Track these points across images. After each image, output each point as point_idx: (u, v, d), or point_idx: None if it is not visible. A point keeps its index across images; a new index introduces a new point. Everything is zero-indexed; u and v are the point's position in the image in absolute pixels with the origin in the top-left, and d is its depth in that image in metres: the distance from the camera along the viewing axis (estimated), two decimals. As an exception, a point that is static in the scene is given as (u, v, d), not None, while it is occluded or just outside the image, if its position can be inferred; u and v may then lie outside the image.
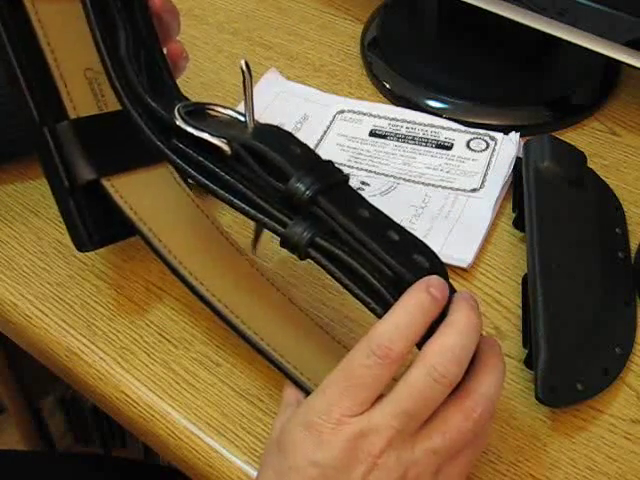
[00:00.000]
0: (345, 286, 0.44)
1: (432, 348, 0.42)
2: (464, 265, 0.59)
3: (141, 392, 0.53)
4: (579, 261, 0.57)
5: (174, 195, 0.57)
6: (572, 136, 0.68)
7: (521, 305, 0.56)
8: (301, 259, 0.46)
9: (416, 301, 0.42)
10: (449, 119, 0.68)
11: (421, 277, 0.43)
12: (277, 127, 0.49)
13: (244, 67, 0.46)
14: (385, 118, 0.68)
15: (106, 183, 0.53)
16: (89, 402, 1.12)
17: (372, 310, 0.44)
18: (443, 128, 0.67)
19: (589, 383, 0.52)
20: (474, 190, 0.63)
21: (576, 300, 0.55)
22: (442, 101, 0.70)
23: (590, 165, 0.64)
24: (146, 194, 0.55)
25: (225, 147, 0.46)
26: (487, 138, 0.66)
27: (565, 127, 0.69)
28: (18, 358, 1.01)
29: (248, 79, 0.46)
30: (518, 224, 0.61)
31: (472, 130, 0.67)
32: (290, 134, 0.48)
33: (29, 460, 0.83)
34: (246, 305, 0.52)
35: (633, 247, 0.60)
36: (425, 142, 0.67)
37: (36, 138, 0.52)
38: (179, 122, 0.47)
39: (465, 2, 0.66)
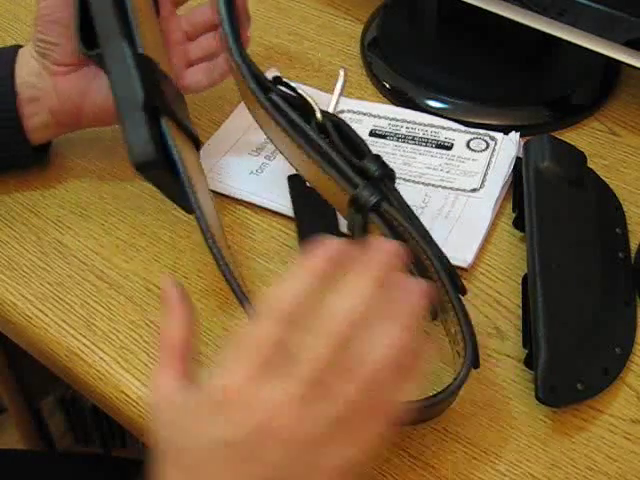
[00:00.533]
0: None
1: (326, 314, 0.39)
2: (464, 265, 0.59)
3: (141, 392, 0.53)
4: (579, 261, 0.57)
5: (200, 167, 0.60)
6: (572, 136, 0.68)
7: (521, 305, 0.56)
8: (362, 221, 0.52)
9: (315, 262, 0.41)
10: (449, 119, 0.68)
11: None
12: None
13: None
14: (385, 118, 0.68)
15: (164, 118, 0.54)
16: (89, 402, 1.12)
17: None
18: (443, 128, 0.67)
19: (589, 383, 0.52)
20: (474, 190, 0.63)
21: (576, 300, 0.55)
22: (442, 101, 0.70)
23: (590, 165, 0.64)
24: (182, 149, 0.55)
25: (318, 112, 0.55)
26: (487, 138, 0.66)
27: (565, 127, 0.69)
28: (18, 358, 1.01)
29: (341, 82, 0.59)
30: (518, 224, 0.61)
31: (472, 130, 0.67)
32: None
33: (29, 460, 0.83)
34: None
35: (633, 247, 0.60)
36: (425, 142, 0.66)
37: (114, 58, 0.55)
38: (284, 79, 0.57)
39: (465, 2, 0.66)
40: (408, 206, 0.53)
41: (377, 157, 0.54)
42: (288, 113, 0.55)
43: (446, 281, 0.50)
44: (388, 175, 0.54)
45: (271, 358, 0.38)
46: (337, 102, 0.58)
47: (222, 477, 0.38)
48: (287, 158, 0.58)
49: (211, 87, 0.65)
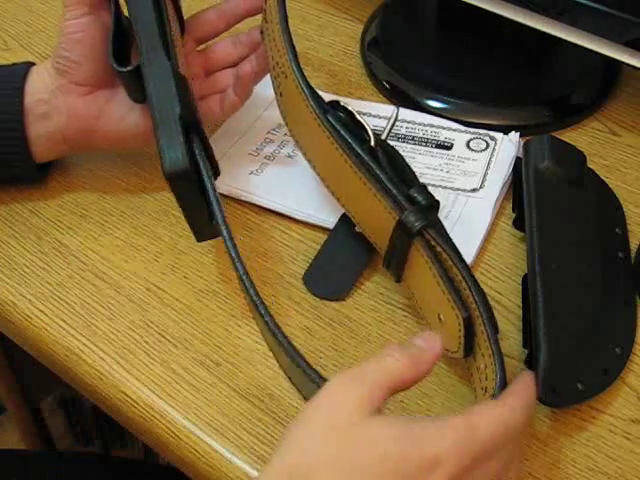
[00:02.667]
0: (436, 278, 0.51)
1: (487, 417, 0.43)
2: (464, 265, 0.59)
3: (141, 392, 0.53)
4: (579, 261, 0.57)
5: None
6: (572, 136, 0.68)
7: (521, 305, 0.56)
8: (405, 245, 0.53)
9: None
10: (449, 119, 0.68)
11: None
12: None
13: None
14: (385, 118, 0.68)
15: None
16: (89, 402, 1.12)
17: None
18: (443, 128, 0.67)
19: (589, 383, 0.52)
20: (474, 190, 0.63)
21: (576, 300, 0.55)
22: (442, 101, 0.70)
23: (590, 165, 0.64)
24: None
25: (372, 138, 0.57)
26: (487, 138, 0.66)
27: (565, 127, 0.69)
28: (18, 358, 1.01)
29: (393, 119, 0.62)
30: (518, 224, 0.61)
31: (472, 130, 0.67)
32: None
33: (29, 460, 0.83)
34: None
35: (633, 247, 0.60)
36: (425, 142, 0.66)
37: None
38: (342, 103, 0.58)
39: (465, 2, 0.66)
40: (450, 238, 0.54)
41: (424, 187, 0.55)
42: (343, 134, 0.56)
43: (485, 316, 0.49)
44: (433, 205, 0.55)
45: None
46: (388, 132, 0.62)
47: None
48: (332, 182, 0.59)
49: (223, 119, 0.66)
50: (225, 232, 0.53)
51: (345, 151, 0.55)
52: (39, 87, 0.60)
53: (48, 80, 0.60)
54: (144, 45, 0.56)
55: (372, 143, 0.57)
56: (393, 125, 0.59)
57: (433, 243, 0.52)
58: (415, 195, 0.54)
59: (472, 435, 0.41)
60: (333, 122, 0.56)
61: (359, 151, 0.55)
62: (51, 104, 0.60)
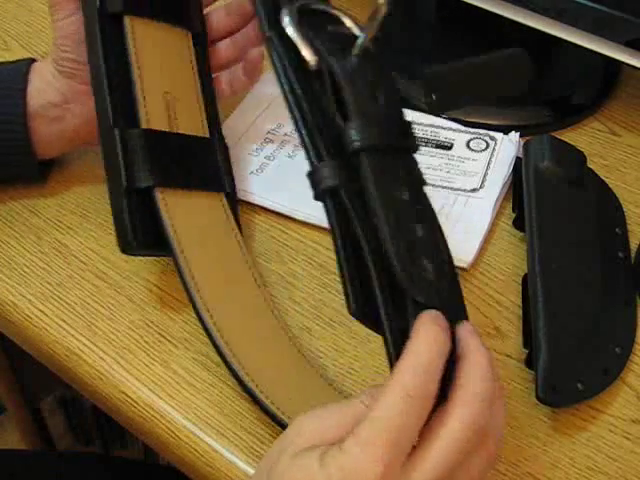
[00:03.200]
0: (337, 253, 0.41)
1: (400, 367, 0.39)
2: (464, 265, 0.59)
3: (141, 392, 0.53)
4: (579, 261, 0.57)
5: (219, 231, 0.58)
6: (572, 136, 0.68)
7: (521, 305, 0.56)
8: (315, 199, 0.43)
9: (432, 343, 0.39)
10: (449, 119, 0.68)
11: (419, 288, 0.39)
12: (382, 69, 0.44)
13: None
14: (385, 118, 0.68)
15: (158, 194, 0.54)
16: (89, 402, 1.12)
17: (346, 296, 0.41)
18: (443, 128, 0.67)
19: (589, 383, 0.52)
20: (474, 190, 0.63)
21: (576, 300, 0.55)
22: (442, 101, 0.70)
23: (590, 165, 0.64)
24: (192, 219, 0.56)
25: (312, 61, 0.42)
26: (487, 138, 0.66)
27: (565, 127, 0.69)
28: (18, 358, 1.01)
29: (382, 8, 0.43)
30: (518, 224, 0.61)
31: (472, 130, 0.67)
32: (393, 87, 0.44)
33: (29, 460, 0.83)
34: (255, 360, 0.52)
35: (633, 247, 0.60)
36: (425, 142, 0.66)
37: (105, 139, 0.54)
38: (284, 18, 0.43)
39: (465, 2, 0.66)
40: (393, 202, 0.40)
41: (376, 123, 0.40)
42: (285, 54, 0.43)
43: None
44: (386, 147, 0.41)
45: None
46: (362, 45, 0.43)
47: None
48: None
49: (233, 96, 0.66)
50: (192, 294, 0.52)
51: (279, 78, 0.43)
52: (46, 89, 0.60)
53: (54, 82, 0.60)
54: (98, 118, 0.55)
55: (314, 65, 0.42)
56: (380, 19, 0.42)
57: (342, 207, 0.41)
58: (351, 132, 0.40)
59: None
60: (274, 39, 0.44)
61: (292, 77, 0.42)
62: (63, 107, 0.60)
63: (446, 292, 0.40)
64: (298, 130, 0.43)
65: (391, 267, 0.39)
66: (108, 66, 0.55)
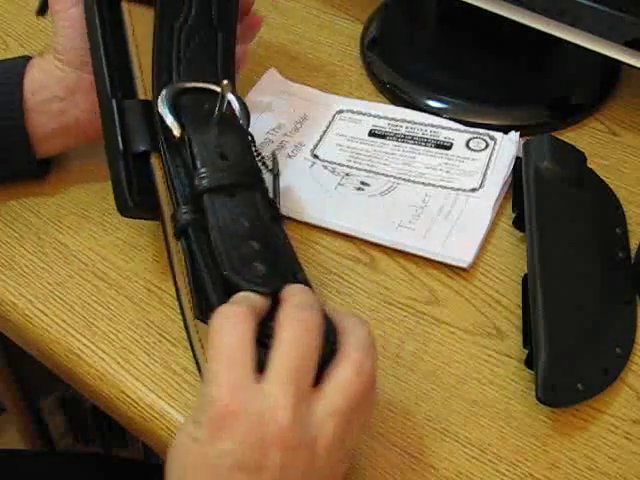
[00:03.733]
0: (189, 281, 0.50)
1: (286, 308, 0.44)
2: (464, 265, 0.59)
3: (141, 392, 0.53)
4: (579, 261, 0.57)
5: None
6: (572, 136, 0.68)
7: (521, 305, 0.56)
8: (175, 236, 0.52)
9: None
10: (449, 119, 0.68)
11: (248, 281, 0.47)
12: (236, 130, 0.55)
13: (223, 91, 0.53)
14: (384, 118, 0.68)
15: (154, 159, 0.55)
16: (89, 402, 1.12)
17: (193, 309, 0.50)
18: (442, 128, 0.67)
19: (589, 383, 0.52)
20: (474, 190, 0.63)
21: (576, 300, 0.55)
22: (442, 101, 0.70)
23: (590, 165, 0.64)
24: None
25: (176, 131, 0.53)
26: (487, 138, 0.66)
27: (565, 127, 0.69)
28: (18, 358, 1.01)
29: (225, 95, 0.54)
30: (518, 224, 0.61)
31: (471, 130, 0.67)
32: (242, 142, 0.54)
33: (29, 460, 0.83)
34: None
35: (633, 247, 0.60)
36: (424, 142, 0.66)
37: (103, 110, 0.57)
38: (161, 96, 0.54)
39: (465, 2, 0.66)
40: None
41: (219, 169, 0.52)
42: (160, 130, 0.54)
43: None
44: (227, 185, 0.51)
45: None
46: (222, 106, 0.55)
47: None
48: None
49: None
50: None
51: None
52: (48, 82, 0.59)
53: (59, 73, 0.59)
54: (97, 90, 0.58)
55: (177, 135, 0.53)
56: (221, 107, 0.54)
57: (189, 243, 0.50)
58: (196, 182, 0.51)
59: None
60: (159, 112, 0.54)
61: (163, 145, 0.54)
62: (68, 100, 0.60)
63: (279, 284, 0.47)
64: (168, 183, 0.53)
65: (223, 271, 0.48)
66: (106, 44, 0.57)
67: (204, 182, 0.51)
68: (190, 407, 0.52)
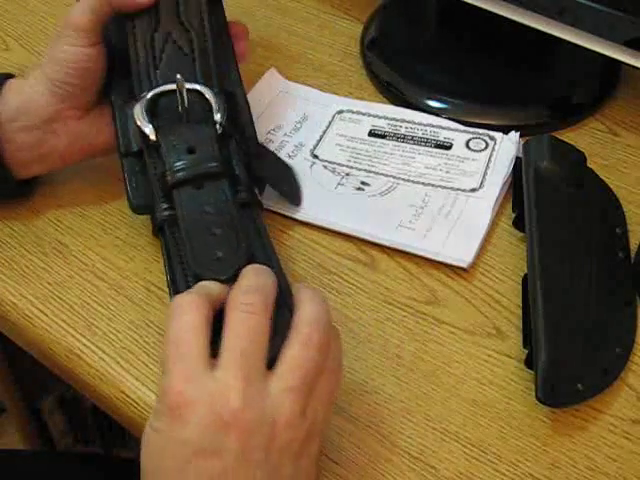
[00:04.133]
0: (166, 276, 0.52)
1: (231, 293, 0.45)
2: (464, 265, 0.59)
3: (141, 392, 0.53)
4: (579, 261, 0.57)
5: None
6: (572, 136, 0.68)
7: (521, 305, 0.56)
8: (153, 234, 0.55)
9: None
10: (449, 119, 0.68)
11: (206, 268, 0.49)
12: (203, 122, 0.56)
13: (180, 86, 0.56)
14: (384, 118, 0.68)
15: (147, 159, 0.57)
16: (89, 402, 1.12)
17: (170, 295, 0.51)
18: (442, 128, 0.67)
19: (589, 383, 0.52)
20: (474, 190, 0.63)
21: (576, 300, 0.55)
22: (442, 101, 0.70)
23: (590, 165, 0.64)
24: None
25: (152, 136, 0.55)
26: (486, 138, 0.66)
27: (565, 127, 0.69)
28: (18, 358, 1.01)
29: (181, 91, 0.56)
30: (518, 224, 0.61)
31: (471, 130, 0.67)
32: (208, 130, 0.56)
33: (29, 460, 0.83)
34: None
35: (633, 247, 0.60)
36: (424, 142, 0.66)
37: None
38: (137, 106, 0.56)
39: (465, 2, 0.66)
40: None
41: (188, 166, 0.54)
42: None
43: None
44: (195, 176, 0.53)
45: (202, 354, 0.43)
46: (183, 100, 0.57)
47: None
48: None
49: None
50: None
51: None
52: (26, 109, 0.58)
53: (40, 101, 0.58)
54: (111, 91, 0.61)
55: (153, 139, 0.55)
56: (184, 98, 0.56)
57: (165, 237, 0.53)
58: (167, 177, 0.53)
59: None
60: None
61: (144, 149, 0.56)
62: (45, 129, 0.58)
63: (237, 267, 0.49)
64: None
65: (186, 261, 0.51)
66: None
67: (169, 178, 0.53)
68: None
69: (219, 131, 0.56)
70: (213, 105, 0.57)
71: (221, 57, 0.61)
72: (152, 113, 0.57)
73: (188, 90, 0.57)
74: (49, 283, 0.59)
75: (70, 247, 0.61)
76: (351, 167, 0.65)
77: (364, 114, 0.69)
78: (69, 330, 0.57)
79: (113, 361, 0.55)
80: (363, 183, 0.64)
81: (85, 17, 0.57)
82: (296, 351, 0.44)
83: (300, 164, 0.65)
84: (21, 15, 0.80)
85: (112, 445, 1.22)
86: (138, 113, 0.56)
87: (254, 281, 0.46)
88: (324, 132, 0.68)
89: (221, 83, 0.60)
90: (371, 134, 0.67)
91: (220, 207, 0.52)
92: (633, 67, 0.62)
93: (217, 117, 0.56)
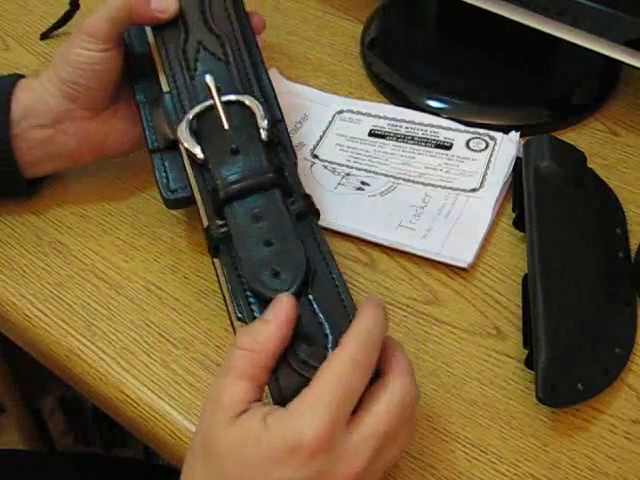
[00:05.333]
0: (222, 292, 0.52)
1: (347, 339, 0.44)
2: (464, 265, 0.59)
3: (141, 392, 0.53)
4: (579, 261, 0.57)
5: None
6: (572, 136, 0.68)
7: (521, 305, 0.56)
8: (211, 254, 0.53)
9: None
10: (449, 119, 0.68)
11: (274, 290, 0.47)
12: (247, 132, 0.54)
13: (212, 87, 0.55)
14: (384, 118, 0.68)
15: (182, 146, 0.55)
16: (89, 402, 1.12)
17: (238, 319, 0.49)
18: (442, 128, 0.67)
19: (589, 383, 0.52)
20: (474, 190, 0.63)
21: (576, 300, 0.55)
22: (442, 101, 0.70)
23: (590, 165, 0.64)
24: None
25: (199, 155, 0.53)
26: (486, 138, 0.66)
27: (565, 127, 0.69)
28: (18, 358, 1.01)
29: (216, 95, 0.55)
30: (518, 224, 0.61)
31: (471, 130, 0.67)
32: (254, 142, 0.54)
33: (29, 460, 0.83)
34: None
35: (633, 247, 0.60)
36: (424, 142, 0.66)
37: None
38: (181, 126, 0.54)
39: (465, 2, 0.66)
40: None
41: (241, 178, 0.52)
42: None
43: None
44: (245, 190, 0.52)
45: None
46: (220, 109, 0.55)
47: None
48: None
49: None
50: None
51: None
52: (37, 108, 0.58)
53: (50, 100, 0.58)
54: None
55: (201, 158, 0.53)
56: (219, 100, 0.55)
57: (222, 258, 0.51)
58: (220, 191, 0.51)
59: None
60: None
61: (189, 167, 0.55)
62: (55, 128, 0.59)
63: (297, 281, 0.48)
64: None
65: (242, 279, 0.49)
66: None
67: (221, 193, 0.51)
68: (190, 407, 0.52)
69: (264, 138, 0.54)
70: (256, 112, 0.55)
71: (253, 58, 0.60)
72: (195, 130, 0.54)
73: (229, 102, 0.55)
74: (49, 283, 0.59)
75: (70, 247, 0.61)
76: (351, 167, 0.65)
77: (364, 114, 0.69)
78: (69, 330, 0.57)
79: (113, 361, 0.55)
80: (363, 183, 0.64)
81: (101, 26, 0.57)
82: (380, 417, 0.43)
83: (300, 164, 0.65)
84: (21, 15, 0.80)
85: (112, 445, 1.22)
86: (183, 133, 0.54)
87: (371, 330, 0.45)
88: (324, 132, 0.68)
89: (260, 88, 0.58)
90: (371, 134, 0.67)
91: (275, 219, 0.50)
92: (633, 67, 0.62)
93: (263, 124, 0.54)
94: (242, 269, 0.49)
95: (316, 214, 0.53)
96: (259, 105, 0.55)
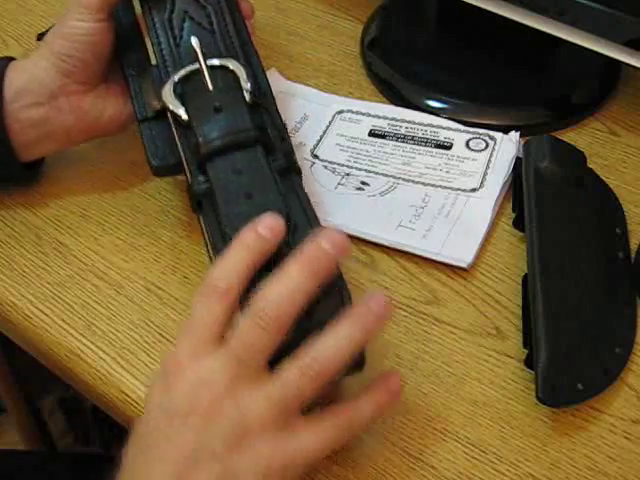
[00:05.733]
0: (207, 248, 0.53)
1: (258, 297, 0.45)
2: (464, 265, 0.59)
3: (141, 392, 0.53)
4: (579, 261, 0.57)
5: None
6: (572, 136, 0.68)
7: (521, 305, 0.56)
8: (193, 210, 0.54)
9: (240, 239, 0.46)
10: (448, 119, 0.68)
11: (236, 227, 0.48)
12: (231, 91, 0.56)
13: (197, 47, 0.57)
14: (384, 118, 0.68)
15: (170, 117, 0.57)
16: (89, 402, 1.12)
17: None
18: (442, 128, 0.67)
19: (589, 383, 0.52)
20: (474, 190, 0.63)
21: (576, 300, 0.55)
22: (442, 101, 0.70)
23: (590, 165, 0.64)
24: None
25: (183, 115, 0.55)
26: (486, 138, 0.66)
27: (565, 127, 0.69)
28: (18, 358, 1.01)
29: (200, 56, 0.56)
30: (518, 224, 0.61)
31: (471, 130, 0.67)
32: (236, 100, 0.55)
33: (29, 460, 0.83)
34: None
35: (633, 247, 0.60)
36: (424, 142, 0.66)
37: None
38: (165, 88, 0.56)
39: (465, 2, 0.66)
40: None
41: (225, 134, 0.53)
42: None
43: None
44: (228, 145, 0.53)
45: (209, 336, 0.45)
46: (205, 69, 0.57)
47: (161, 445, 0.44)
48: None
49: None
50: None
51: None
52: (29, 88, 0.59)
53: (44, 77, 0.59)
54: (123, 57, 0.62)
55: (186, 119, 0.55)
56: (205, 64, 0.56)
57: (203, 210, 0.53)
58: (202, 146, 0.53)
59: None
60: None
61: (175, 128, 0.56)
62: (51, 105, 0.59)
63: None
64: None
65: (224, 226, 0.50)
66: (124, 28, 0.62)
67: (203, 148, 0.53)
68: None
69: (248, 100, 0.55)
70: (240, 75, 0.56)
71: (239, 30, 0.61)
72: (180, 93, 0.56)
73: (213, 66, 0.56)
74: (49, 283, 0.59)
75: (70, 247, 0.61)
76: (351, 167, 0.65)
77: (364, 114, 0.69)
78: (69, 330, 0.57)
79: (113, 361, 0.55)
80: (363, 183, 0.64)
81: None
82: (291, 374, 0.44)
83: (300, 164, 0.65)
84: (20, 15, 0.80)
85: (112, 445, 1.22)
86: (167, 95, 0.56)
87: (284, 290, 0.45)
88: (324, 132, 0.68)
89: (245, 54, 0.59)
90: (371, 134, 0.67)
91: (256, 174, 0.52)
92: (633, 67, 0.62)
93: (247, 86, 0.55)
94: (223, 222, 0.50)
95: (297, 171, 0.55)
96: (242, 68, 0.56)
